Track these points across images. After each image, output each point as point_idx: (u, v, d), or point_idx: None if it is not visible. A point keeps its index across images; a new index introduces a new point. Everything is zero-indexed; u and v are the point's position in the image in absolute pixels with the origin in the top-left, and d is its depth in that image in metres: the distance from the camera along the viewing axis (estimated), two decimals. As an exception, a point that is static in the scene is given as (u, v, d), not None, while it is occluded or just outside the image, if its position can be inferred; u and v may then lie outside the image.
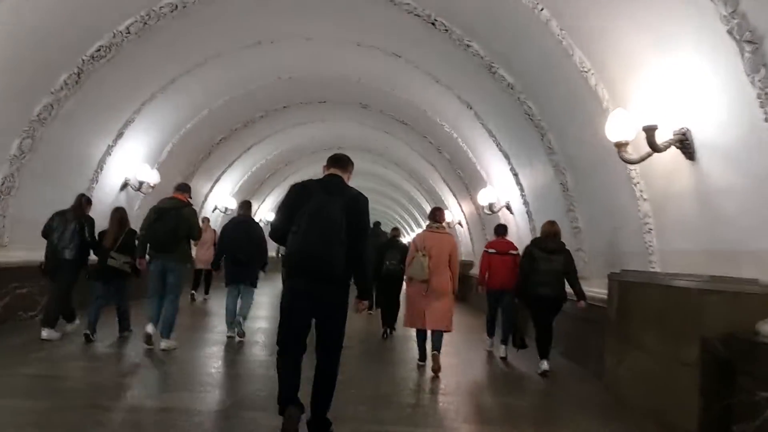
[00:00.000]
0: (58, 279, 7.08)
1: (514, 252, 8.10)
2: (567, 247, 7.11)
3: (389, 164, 19.34)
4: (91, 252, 7.35)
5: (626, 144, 5.07)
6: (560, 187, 7.95)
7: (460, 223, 16.54)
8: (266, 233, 7.61)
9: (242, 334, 7.92)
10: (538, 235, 7.75)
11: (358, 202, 4.02)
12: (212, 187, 15.60)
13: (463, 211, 15.65)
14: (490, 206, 11.03)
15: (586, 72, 5.90)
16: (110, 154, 9.75)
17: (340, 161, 4.27)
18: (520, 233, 10.46)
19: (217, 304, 10.49)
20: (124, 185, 10.65)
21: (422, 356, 6.91)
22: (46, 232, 7.13)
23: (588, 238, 7.58)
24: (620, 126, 5.05)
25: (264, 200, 21.34)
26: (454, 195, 15.68)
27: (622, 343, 5.77)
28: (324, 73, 11.33)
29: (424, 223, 25.47)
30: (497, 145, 9.94)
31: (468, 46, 7.72)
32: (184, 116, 11.38)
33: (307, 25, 9.34)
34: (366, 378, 6.16)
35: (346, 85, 11.98)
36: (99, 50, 7.62)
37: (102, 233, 7.40)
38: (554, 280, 6.83)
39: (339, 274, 3.88)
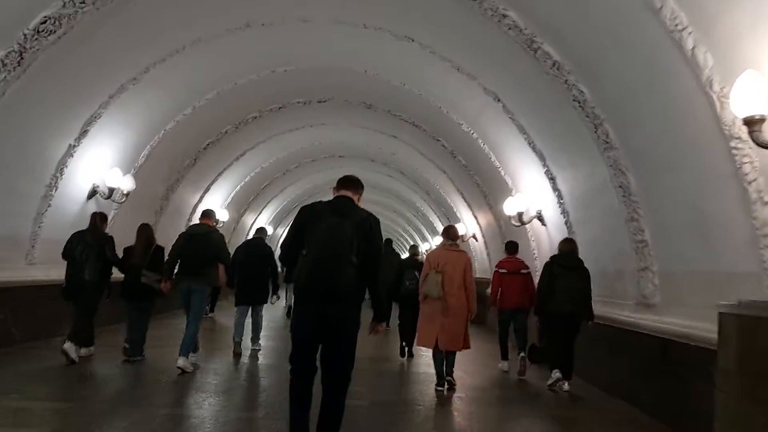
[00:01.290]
0: (81, 301, 7.04)
1: (525, 271, 8.22)
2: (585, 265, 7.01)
3: (395, 173, 17.83)
4: (114, 270, 7.37)
5: (762, 120, 3.54)
6: (618, 191, 6.40)
7: (474, 237, 14.98)
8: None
9: (259, 348, 8.74)
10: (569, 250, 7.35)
11: (369, 224, 4.00)
12: (201, 197, 14.06)
13: (479, 223, 14.09)
14: (519, 216, 9.48)
15: (679, 31, 4.37)
16: (72, 156, 8.21)
17: (350, 183, 4.30)
18: (555, 248, 8.92)
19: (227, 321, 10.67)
20: (93, 193, 9.10)
21: (440, 381, 6.75)
22: (67, 254, 7.11)
23: (659, 254, 6.02)
24: (753, 94, 3.51)
25: (261, 212, 19.78)
26: (469, 206, 14.13)
27: (747, 403, 4.19)
28: (324, 63, 9.84)
29: (431, 238, 24.56)
30: (529, 144, 8.41)
31: (504, 16, 6.22)
32: (163, 115, 9.87)
33: (304, 4, 7.88)
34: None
35: (350, 78, 10.48)
36: (45, 22, 6.11)
37: (127, 250, 7.43)
38: (575, 298, 6.80)
39: (350, 296, 3.86)
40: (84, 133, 8.18)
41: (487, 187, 11.90)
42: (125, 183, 9.43)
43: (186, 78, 9.18)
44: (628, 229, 6.40)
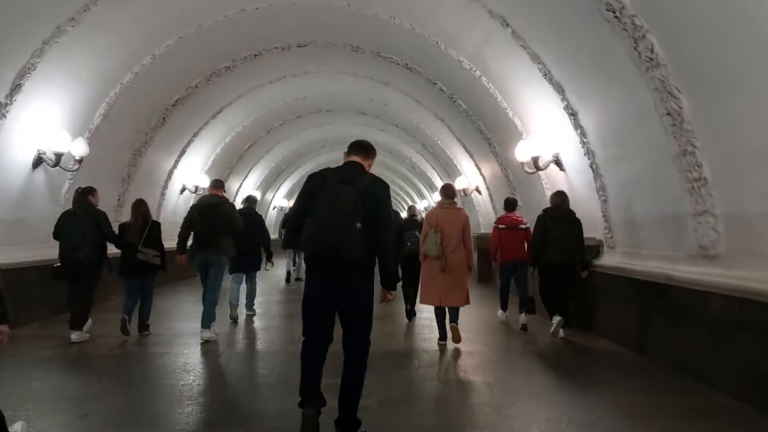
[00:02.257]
0: (80, 282, 6.92)
1: (523, 226, 8.43)
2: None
3: (388, 127, 16.51)
4: (110, 247, 7.26)
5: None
6: (665, 120, 5.18)
7: (478, 190, 13.80)
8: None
9: (254, 313, 9.02)
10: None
11: (375, 190, 3.87)
12: (176, 161, 12.77)
13: (482, 174, 12.89)
14: (535, 162, 8.27)
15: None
16: (5, 117, 6.92)
17: (361, 148, 4.14)
18: (576, 195, 7.77)
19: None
20: (38, 161, 7.82)
21: (442, 335, 6.90)
22: (57, 233, 6.98)
23: (723, 193, 4.85)
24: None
25: (246, 176, 18.48)
26: (471, 156, 12.89)
27: None
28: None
29: (429, 195, 23.28)
30: (545, 75, 7.14)
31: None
32: (117, 65, 8.52)
33: None
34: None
35: (332, 16, 9.14)
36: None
37: (123, 227, 7.35)
38: (568, 248, 6.99)
39: (358, 261, 3.74)
40: (17, 87, 6.86)
41: (492, 133, 10.66)
42: (77, 148, 8.14)
43: (138, 19, 7.84)
44: (677, 165, 5.21)
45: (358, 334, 3.88)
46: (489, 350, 6.74)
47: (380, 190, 3.88)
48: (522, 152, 8.51)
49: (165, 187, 12.66)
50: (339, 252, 3.68)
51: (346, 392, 3.83)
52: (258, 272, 9.04)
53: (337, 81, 13.10)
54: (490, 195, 12.94)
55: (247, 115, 14.10)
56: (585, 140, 7.11)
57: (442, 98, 11.13)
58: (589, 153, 7.14)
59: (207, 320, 7.02)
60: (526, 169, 8.62)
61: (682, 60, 4.84)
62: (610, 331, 7.13)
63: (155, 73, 9.23)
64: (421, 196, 25.91)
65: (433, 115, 12.84)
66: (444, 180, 16.15)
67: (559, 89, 7.08)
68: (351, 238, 3.67)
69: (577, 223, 7.11)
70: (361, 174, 3.94)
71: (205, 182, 13.95)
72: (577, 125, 7.11)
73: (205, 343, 6.83)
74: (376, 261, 3.91)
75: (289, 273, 14.07)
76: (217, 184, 7.70)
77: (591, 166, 7.19)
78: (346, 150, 4.13)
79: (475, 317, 8.66)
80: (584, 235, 7.45)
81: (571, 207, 7.46)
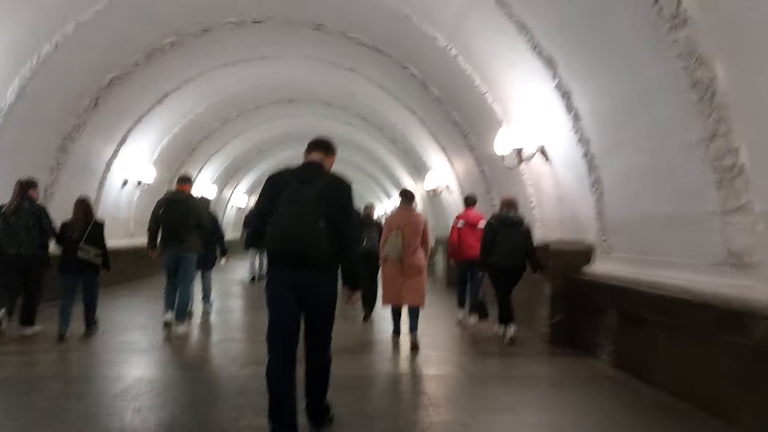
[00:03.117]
0: (26, 279, 6.84)
1: (482, 224, 7.91)
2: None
3: (355, 119, 15.38)
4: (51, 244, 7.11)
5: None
6: (690, 96, 4.20)
7: (448, 188, 12.79)
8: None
9: (210, 308, 9.17)
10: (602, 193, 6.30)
11: (336, 189, 3.80)
12: (116, 150, 11.40)
13: (455, 171, 11.87)
14: (518, 153, 7.27)
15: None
16: None
17: (320, 145, 4.06)
18: (563, 192, 6.79)
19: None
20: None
21: (396, 329, 7.14)
22: None
23: (764, 186, 3.87)
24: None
25: (200, 170, 17.02)
26: (444, 150, 11.87)
27: None
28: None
29: (386, 200, 22.13)
30: (534, 48, 6.13)
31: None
32: (29, 34, 7.23)
33: None
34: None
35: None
36: None
37: (64, 225, 7.09)
38: (514, 252, 6.99)
39: (322, 259, 3.69)
40: None
41: (467, 124, 9.65)
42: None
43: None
44: (704, 152, 4.23)
45: (322, 331, 3.89)
46: (462, 373, 5.72)
47: (341, 187, 3.84)
48: (502, 143, 7.51)
49: (103, 177, 11.29)
50: (303, 250, 3.65)
51: (313, 382, 3.90)
52: (213, 269, 9.21)
53: (299, 66, 11.91)
54: (462, 194, 11.89)
55: (198, 102, 12.71)
56: (578, 124, 6.12)
57: (414, 84, 10.03)
58: (582, 140, 6.15)
59: (182, 315, 7.27)
60: (506, 163, 7.61)
61: (716, 18, 3.85)
62: (604, 351, 6.09)
63: (82, 45, 7.95)
64: (388, 196, 24.83)
65: (403, 106, 11.71)
66: (413, 178, 15.82)
67: (550, 63, 6.07)
68: (315, 237, 3.65)
69: (525, 227, 7.10)
70: (320, 173, 3.89)
71: (151, 176, 12.67)
72: (570, 107, 6.11)
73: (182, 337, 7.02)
74: (338, 260, 3.85)
75: (252, 275, 13.72)
76: (185, 179, 7.74)
77: (585, 156, 6.20)
78: (305, 149, 4.05)
79: (445, 330, 7.93)
80: (572, 238, 6.82)
81: (557, 204, 6.88)
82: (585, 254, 6.75)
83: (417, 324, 6.80)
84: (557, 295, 6.87)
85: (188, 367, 5.79)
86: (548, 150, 7.15)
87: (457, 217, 8.59)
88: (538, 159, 7.28)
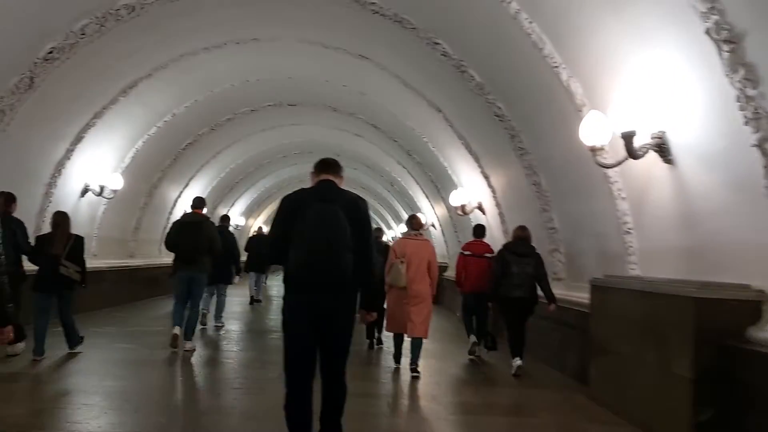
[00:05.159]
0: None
1: (489, 255, 8.15)
2: (537, 251, 7.26)
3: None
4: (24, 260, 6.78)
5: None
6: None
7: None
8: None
9: (222, 324, 9.96)
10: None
11: (358, 206, 3.87)
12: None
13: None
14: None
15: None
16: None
17: (330, 166, 4.04)
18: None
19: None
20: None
21: (398, 357, 7.23)
22: None
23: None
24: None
25: (187, 185, 15.55)
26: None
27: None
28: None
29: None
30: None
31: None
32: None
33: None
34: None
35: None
36: None
37: (41, 239, 7.09)
38: (526, 283, 7.02)
39: (348, 284, 3.77)
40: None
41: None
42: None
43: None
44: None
45: (339, 358, 3.87)
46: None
47: (363, 205, 3.92)
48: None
49: (52, 184, 9.31)
50: (334, 275, 3.68)
51: (329, 406, 3.84)
52: (228, 286, 10.07)
53: (299, 55, 10.10)
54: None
55: (178, 98, 11.06)
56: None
57: (445, 69, 7.94)
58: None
59: (191, 332, 7.73)
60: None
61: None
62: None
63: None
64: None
65: (426, 102, 9.83)
66: (430, 199, 15.31)
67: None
68: (344, 259, 3.70)
69: (536, 258, 7.11)
70: (339, 191, 3.91)
71: (118, 183, 10.88)
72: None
73: (190, 351, 7.56)
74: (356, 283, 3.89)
75: (252, 298, 14.36)
76: (198, 203, 8.15)
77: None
78: (312, 170, 4.06)
79: (451, 369, 7.78)
80: (713, 280, 4.44)
81: (682, 227, 4.95)
82: (749, 308, 4.20)
83: (418, 356, 6.75)
84: (705, 375, 4.26)
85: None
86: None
87: (465, 246, 8.67)
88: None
